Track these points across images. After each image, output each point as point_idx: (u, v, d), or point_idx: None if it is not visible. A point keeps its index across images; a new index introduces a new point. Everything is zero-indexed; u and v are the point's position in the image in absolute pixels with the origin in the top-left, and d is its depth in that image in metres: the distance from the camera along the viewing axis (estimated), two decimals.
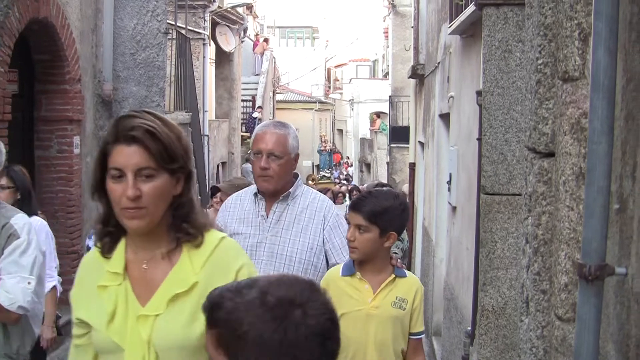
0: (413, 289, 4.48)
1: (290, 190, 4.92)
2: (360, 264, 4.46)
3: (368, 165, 41.29)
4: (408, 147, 18.73)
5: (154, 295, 2.82)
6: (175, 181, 2.81)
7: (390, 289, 4.42)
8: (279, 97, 51.53)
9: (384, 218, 4.31)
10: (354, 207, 4.41)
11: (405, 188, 16.68)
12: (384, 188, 5.37)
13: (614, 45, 2.51)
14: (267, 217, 4.90)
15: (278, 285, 2.00)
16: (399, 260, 4.65)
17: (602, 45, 2.50)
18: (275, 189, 4.86)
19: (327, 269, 4.81)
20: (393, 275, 4.45)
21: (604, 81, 2.50)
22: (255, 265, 4.54)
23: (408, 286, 4.47)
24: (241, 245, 4.60)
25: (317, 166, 52.65)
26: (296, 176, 5.04)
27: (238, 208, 5.06)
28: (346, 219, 4.68)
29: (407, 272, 4.60)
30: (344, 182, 39.51)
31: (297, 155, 4.94)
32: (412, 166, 16.77)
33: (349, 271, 4.45)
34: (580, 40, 3.11)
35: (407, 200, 7.97)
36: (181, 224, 2.85)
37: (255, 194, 4.99)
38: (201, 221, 2.92)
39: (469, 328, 7.29)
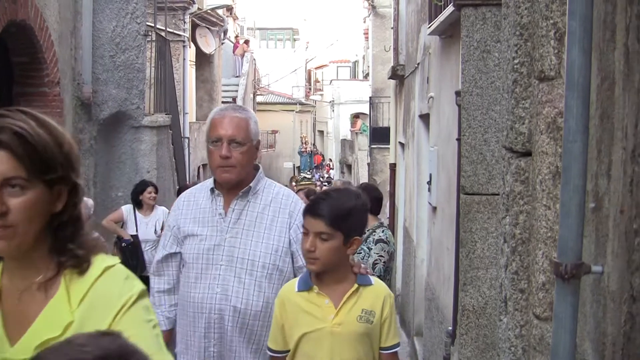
0: (380, 298, 3.88)
1: (251, 184, 4.38)
2: (317, 276, 3.89)
3: (349, 167, 41.31)
4: (389, 148, 18.74)
5: (24, 336, 2.32)
6: (54, 195, 2.31)
7: (354, 302, 3.83)
8: (259, 99, 51.47)
9: (348, 222, 3.75)
10: (312, 212, 3.77)
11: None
12: (343, 187, 4.52)
13: (589, 45, 2.52)
14: (226, 215, 4.36)
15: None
16: (362, 265, 4.02)
17: (576, 45, 2.51)
18: (238, 181, 4.31)
19: (294, 274, 4.33)
20: (356, 285, 3.84)
21: (579, 80, 2.51)
22: (214, 271, 4.31)
23: (374, 295, 3.88)
24: (197, 248, 4.37)
25: (298, 168, 52.63)
26: (257, 168, 4.49)
27: (192, 206, 4.50)
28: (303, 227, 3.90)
29: (373, 278, 3.98)
30: (326, 184, 39.49)
31: (259, 142, 4.42)
32: (393, 167, 16.78)
33: (305, 285, 3.87)
34: (555, 39, 3.12)
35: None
36: (65, 246, 2.35)
37: (212, 190, 4.43)
38: (90, 243, 2.41)
39: (450, 328, 7.30)
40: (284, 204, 4.41)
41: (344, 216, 3.72)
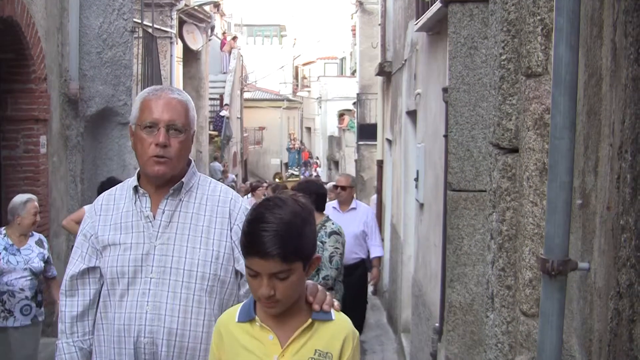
0: (340, 338, 3.00)
1: (183, 179, 3.61)
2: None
3: (336, 163, 41.30)
4: (376, 145, 18.75)
5: None
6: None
7: (306, 340, 2.97)
8: (246, 95, 51.45)
9: (304, 246, 2.86)
10: (258, 253, 2.78)
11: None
12: (283, 198, 3.01)
13: (576, 41, 2.51)
14: (154, 218, 3.57)
15: None
16: (327, 301, 3.06)
17: (563, 41, 2.51)
18: (172, 176, 3.56)
19: (238, 286, 3.66)
20: (310, 320, 2.97)
21: (566, 76, 2.51)
22: (142, 286, 3.51)
23: (333, 334, 3.00)
24: (120, 260, 3.54)
25: (286, 164, 52.66)
26: (189, 162, 3.71)
27: (112, 210, 3.68)
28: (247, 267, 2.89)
29: (334, 313, 3.04)
30: None
31: (194, 133, 3.71)
32: (380, 163, 16.80)
33: (246, 315, 3.01)
34: (543, 36, 3.12)
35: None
36: None
37: (136, 188, 3.63)
38: None
39: (437, 324, 7.31)
40: (222, 201, 3.67)
41: (298, 242, 2.82)
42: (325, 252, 7.74)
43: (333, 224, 7.99)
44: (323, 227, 7.85)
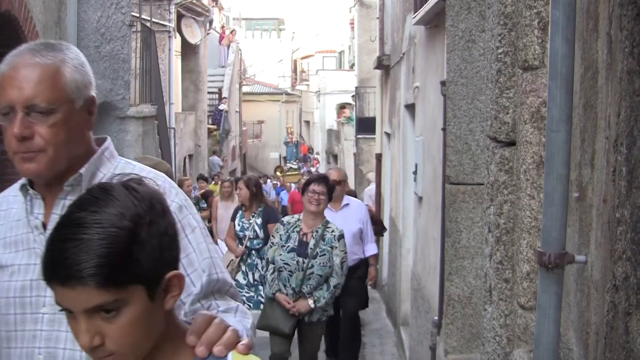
0: None
1: (82, 170, 2.49)
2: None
3: (335, 157, 41.31)
4: (374, 138, 18.75)
5: None
6: None
7: None
8: (245, 89, 51.40)
9: (141, 256, 1.79)
10: (58, 275, 1.77)
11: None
12: (108, 185, 1.88)
13: (572, 34, 2.52)
14: (45, 230, 2.44)
15: None
16: (229, 331, 2.05)
17: (559, 34, 2.51)
18: (54, 174, 2.46)
19: (187, 307, 2.40)
20: None
21: (562, 69, 2.51)
22: (31, 327, 2.44)
23: None
24: (5, 289, 2.48)
25: (285, 158, 52.67)
26: (101, 141, 2.66)
27: (2, 219, 2.59)
28: None
29: (232, 355, 1.98)
30: None
31: (92, 99, 2.58)
32: (379, 157, 16.78)
33: None
34: (539, 29, 3.12)
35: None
36: None
37: (24, 187, 2.54)
38: None
39: (436, 317, 7.31)
40: None
41: (129, 256, 1.78)
42: (337, 257, 7.64)
43: (334, 225, 7.91)
44: (326, 229, 7.77)
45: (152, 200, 1.88)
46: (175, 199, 2.53)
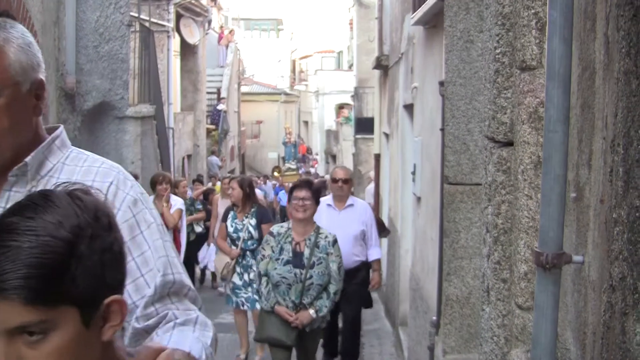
0: None
1: (28, 160, 2.29)
2: None
3: (334, 157, 41.34)
4: (373, 138, 18.76)
5: None
6: None
7: None
8: (244, 89, 51.36)
9: (78, 274, 1.54)
10: None
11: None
12: (49, 191, 1.62)
13: (569, 34, 2.52)
14: None
15: None
16: None
17: (557, 34, 2.51)
18: (12, 158, 2.27)
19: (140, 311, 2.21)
20: None
21: (560, 70, 2.51)
22: None
23: None
24: None
25: (283, 158, 52.67)
26: (52, 129, 2.51)
27: None
28: None
29: None
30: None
31: (40, 82, 2.38)
32: (377, 157, 16.79)
33: None
34: (537, 29, 3.13)
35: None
36: None
37: None
38: None
39: (435, 318, 7.31)
40: (101, 187, 2.26)
41: (64, 272, 1.53)
42: (333, 264, 7.50)
43: (325, 230, 7.71)
44: (319, 235, 7.59)
45: (97, 212, 1.62)
46: (130, 191, 2.35)
